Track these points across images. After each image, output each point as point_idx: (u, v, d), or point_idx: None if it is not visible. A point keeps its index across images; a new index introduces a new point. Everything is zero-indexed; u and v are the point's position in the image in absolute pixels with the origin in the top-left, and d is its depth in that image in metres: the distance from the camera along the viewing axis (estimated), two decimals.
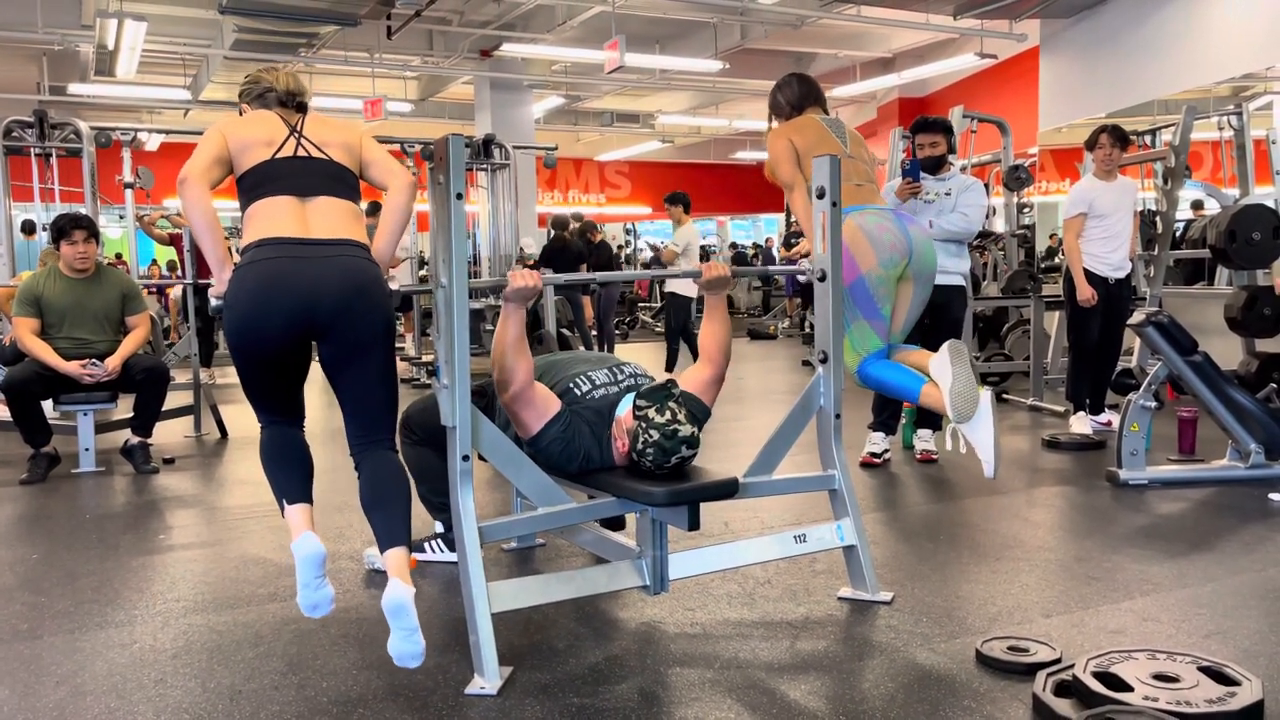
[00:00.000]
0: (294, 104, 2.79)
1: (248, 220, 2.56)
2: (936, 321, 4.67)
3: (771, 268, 9.94)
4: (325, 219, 2.55)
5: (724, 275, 2.92)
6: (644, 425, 2.55)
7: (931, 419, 4.87)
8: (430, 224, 2.47)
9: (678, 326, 8.77)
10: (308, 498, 2.56)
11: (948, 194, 4.80)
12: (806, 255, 3.29)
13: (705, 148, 20.14)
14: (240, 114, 2.85)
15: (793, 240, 10.21)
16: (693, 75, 13.78)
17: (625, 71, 11.22)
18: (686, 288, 8.66)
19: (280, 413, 2.64)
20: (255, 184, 2.58)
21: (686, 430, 2.55)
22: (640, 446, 2.55)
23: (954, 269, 4.78)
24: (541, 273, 2.70)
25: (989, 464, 2.95)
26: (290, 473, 2.58)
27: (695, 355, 8.33)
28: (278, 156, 2.61)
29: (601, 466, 2.71)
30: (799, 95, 3.62)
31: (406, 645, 2.28)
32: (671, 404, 2.57)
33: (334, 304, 2.45)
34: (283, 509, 2.55)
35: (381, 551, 2.46)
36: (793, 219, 11.99)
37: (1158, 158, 6.61)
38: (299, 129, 2.69)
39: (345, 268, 2.48)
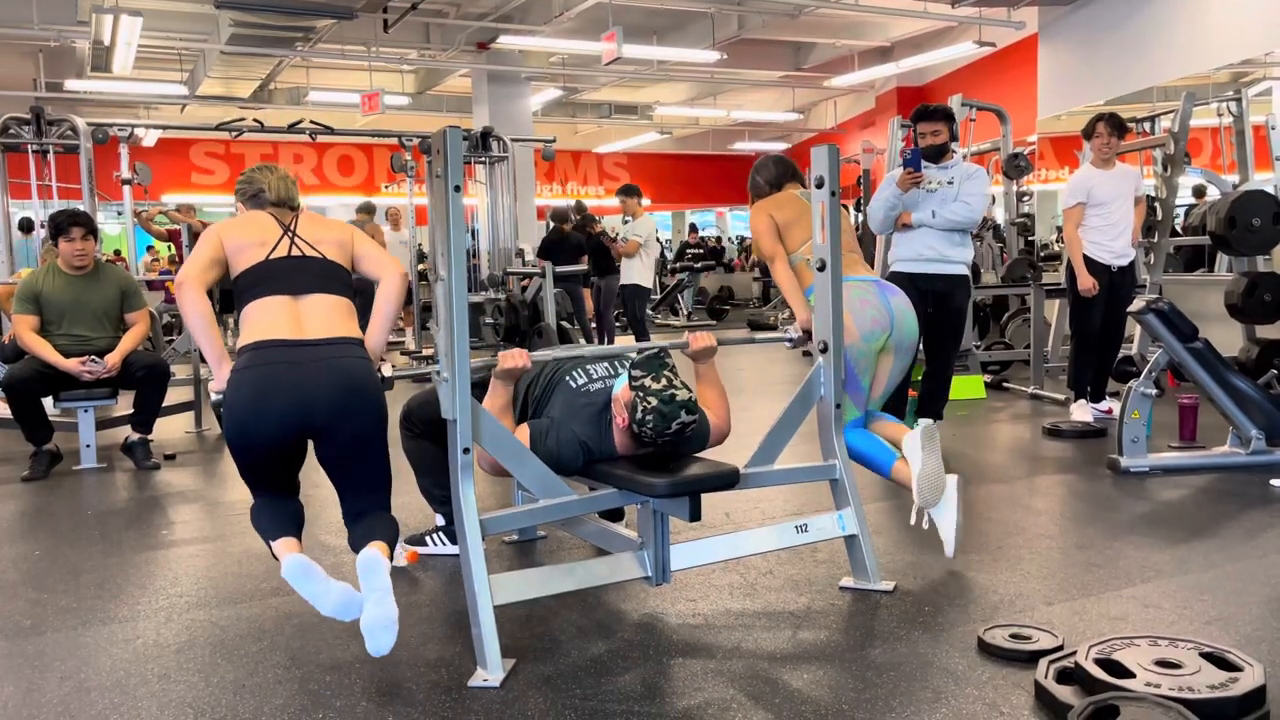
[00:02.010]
0: (286, 206, 2.88)
1: (244, 321, 2.65)
2: (939, 311, 4.66)
3: (758, 335, 10.01)
4: (318, 317, 2.63)
5: (711, 346, 2.98)
6: (641, 394, 2.55)
7: (932, 410, 4.85)
8: (429, 217, 2.48)
9: (640, 315, 9.08)
10: (296, 534, 2.60)
11: (950, 183, 4.74)
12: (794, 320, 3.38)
13: (704, 138, 20.09)
14: (236, 212, 2.96)
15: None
16: (690, 66, 13.75)
17: (623, 63, 11.21)
18: (644, 279, 8.96)
19: (275, 492, 2.69)
20: (250, 284, 2.67)
21: (684, 395, 2.55)
22: (640, 416, 2.55)
23: (958, 258, 4.74)
24: (529, 354, 2.73)
25: (949, 545, 3.08)
26: (278, 517, 2.63)
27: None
28: (272, 257, 2.70)
29: (602, 453, 2.71)
30: (777, 175, 3.69)
31: (378, 610, 2.28)
32: (667, 372, 2.58)
33: (328, 408, 2.52)
34: (272, 550, 2.59)
35: (358, 550, 2.50)
36: None
37: (1157, 145, 6.59)
38: (292, 228, 2.78)
39: (338, 370, 2.55)
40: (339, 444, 2.59)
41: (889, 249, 5.00)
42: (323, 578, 2.40)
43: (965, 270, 4.83)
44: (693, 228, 17.82)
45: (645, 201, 10.09)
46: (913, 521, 3.12)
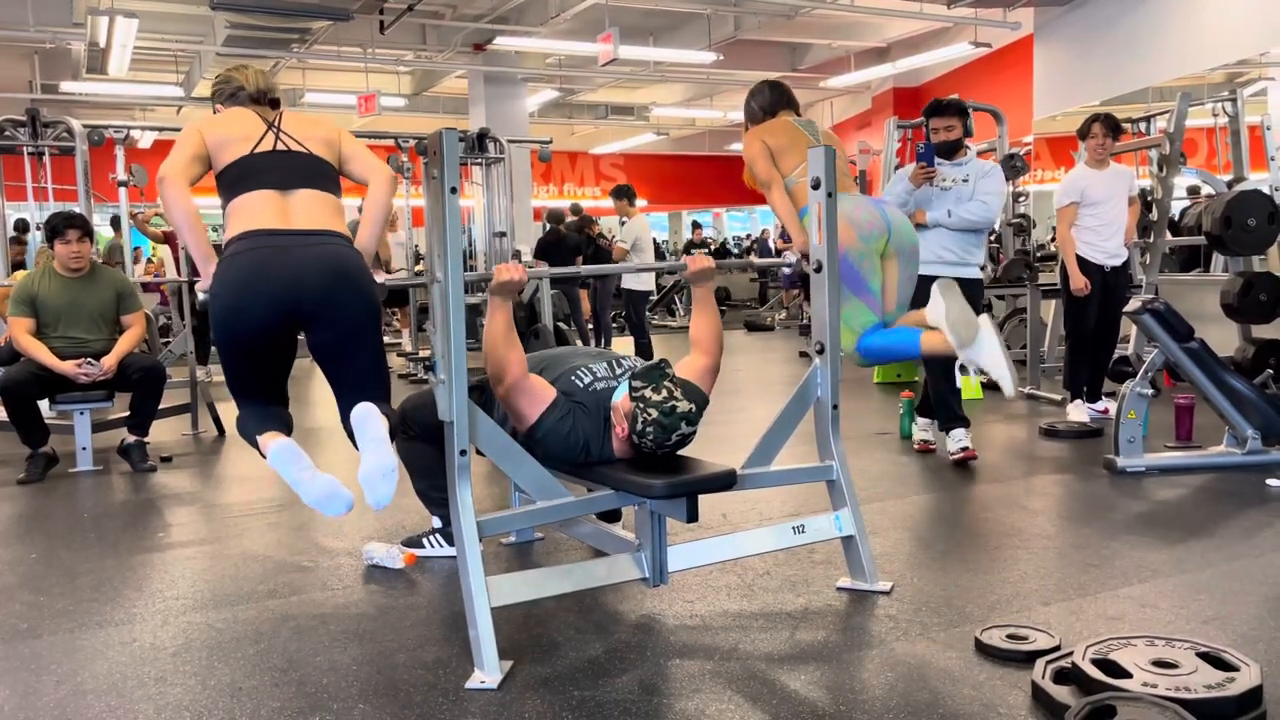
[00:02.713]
0: (267, 101, 2.79)
1: (229, 215, 2.57)
2: None
3: (755, 260, 10.00)
4: (306, 211, 2.56)
5: (709, 267, 2.96)
6: (641, 405, 2.55)
7: (930, 409, 4.85)
8: (425, 219, 2.48)
9: (638, 321, 8.94)
10: (284, 431, 2.54)
11: (965, 180, 4.60)
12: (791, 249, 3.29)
13: (700, 139, 20.11)
14: (215, 113, 2.85)
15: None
16: (687, 67, 13.76)
17: (619, 64, 11.22)
18: (642, 283, 8.84)
19: (264, 400, 2.63)
20: (235, 179, 2.59)
21: (685, 406, 2.55)
22: (640, 427, 2.55)
23: (972, 260, 4.60)
24: (526, 266, 2.71)
25: (1005, 380, 2.97)
26: (265, 419, 2.57)
27: (639, 348, 8.46)
28: (257, 151, 2.61)
29: (601, 457, 2.71)
30: (771, 101, 3.65)
31: (375, 459, 2.25)
32: (667, 383, 2.58)
33: (318, 290, 2.45)
34: (259, 448, 2.51)
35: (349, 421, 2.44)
36: None
37: (1153, 145, 6.61)
38: (277, 124, 2.70)
39: (328, 254, 2.48)
40: (332, 330, 2.51)
41: None
42: (309, 465, 2.35)
43: (979, 273, 4.72)
44: (696, 225, 17.55)
45: (642, 203, 10.01)
46: (958, 378, 3.08)
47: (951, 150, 4.68)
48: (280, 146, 2.64)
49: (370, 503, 2.26)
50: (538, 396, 2.67)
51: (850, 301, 3.22)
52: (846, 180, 3.45)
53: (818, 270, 2.92)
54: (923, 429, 4.96)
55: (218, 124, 2.68)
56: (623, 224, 9.32)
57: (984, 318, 3.04)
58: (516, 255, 9.62)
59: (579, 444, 2.68)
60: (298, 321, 2.51)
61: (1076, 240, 5.43)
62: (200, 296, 2.58)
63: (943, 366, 4.49)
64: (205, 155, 2.63)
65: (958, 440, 4.60)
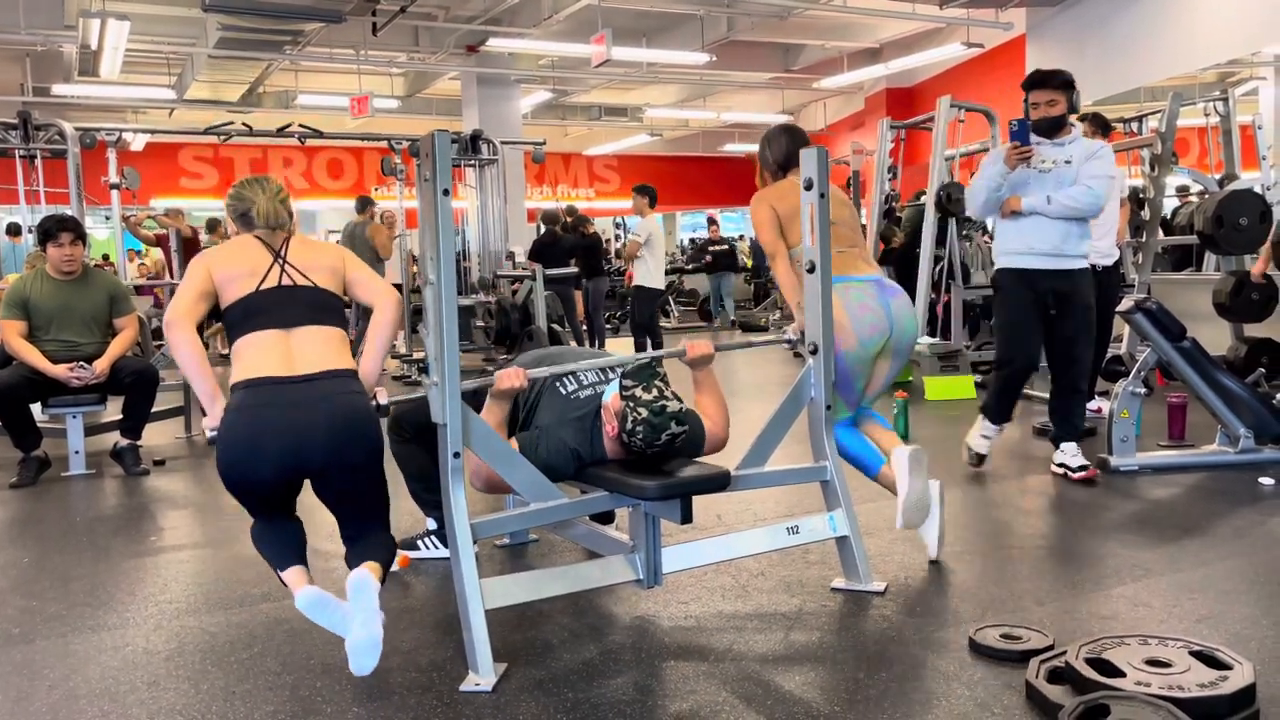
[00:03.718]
0: (276, 228, 2.80)
1: (235, 355, 2.61)
2: (1062, 310, 4.19)
3: (755, 339, 9.95)
4: (310, 351, 2.59)
5: (708, 353, 2.97)
6: (631, 405, 2.55)
7: (1066, 429, 4.37)
8: (419, 221, 2.48)
9: (643, 320, 8.79)
10: (302, 561, 2.58)
11: (1068, 162, 4.11)
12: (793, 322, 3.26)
13: (694, 140, 20.11)
14: (226, 229, 2.87)
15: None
16: (680, 68, 13.76)
17: (612, 65, 11.21)
18: (653, 280, 8.68)
19: (272, 516, 2.67)
20: (240, 319, 2.63)
21: (675, 405, 2.55)
22: (630, 426, 2.55)
23: (1077, 251, 4.18)
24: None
25: (932, 549, 3.16)
26: (282, 543, 2.61)
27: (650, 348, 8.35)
28: (262, 288, 2.65)
29: (593, 459, 2.71)
30: (786, 154, 3.44)
31: (364, 631, 2.27)
32: (658, 382, 2.58)
33: (325, 450, 2.49)
34: (280, 578, 2.57)
35: (350, 565, 2.49)
36: None
37: (1144, 144, 6.62)
38: (283, 254, 2.73)
39: (334, 410, 2.51)
40: (336, 482, 2.57)
41: (999, 238, 4.35)
42: (337, 605, 2.37)
43: (1086, 263, 4.27)
44: (711, 221, 17.12)
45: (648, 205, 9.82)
46: (897, 526, 3.13)
47: (1053, 128, 4.15)
48: (285, 281, 2.68)
49: (354, 670, 2.29)
50: (515, 454, 2.66)
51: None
52: (854, 254, 3.32)
53: (810, 270, 2.92)
54: (1073, 454, 4.31)
55: (224, 259, 2.72)
56: (622, 226, 9.31)
57: (934, 494, 3.12)
58: (510, 257, 9.62)
59: (567, 455, 2.69)
60: (303, 474, 2.57)
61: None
62: (209, 434, 2.62)
63: (1007, 366, 4.26)
64: (212, 291, 2.69)
65: (1074, 456, 4.22)
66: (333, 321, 2.70)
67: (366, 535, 2.63)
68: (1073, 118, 4.24)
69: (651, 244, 8.62)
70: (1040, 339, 4.26)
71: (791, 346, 3.19)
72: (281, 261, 2.71)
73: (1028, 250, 4.16)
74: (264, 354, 2.56)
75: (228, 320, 2.68)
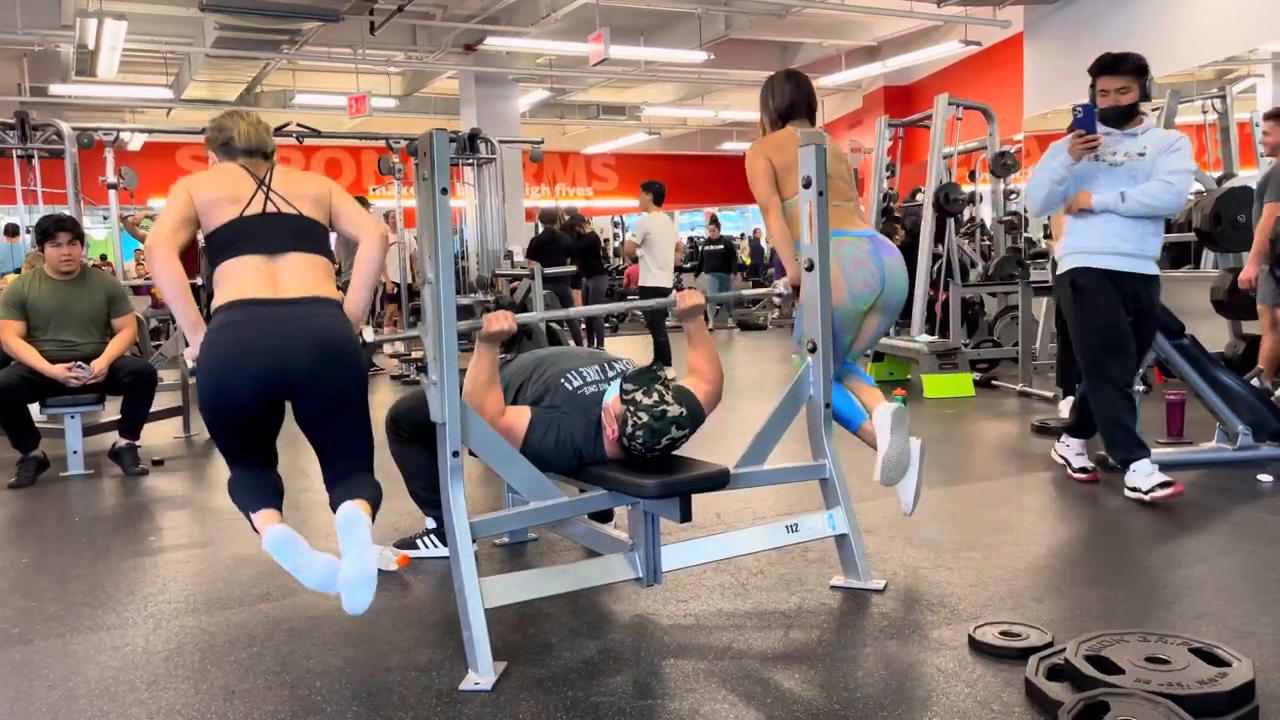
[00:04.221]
0: (259, 155, 2.76)
1: (218, 280, 2.56)
2: (1137, 317, 3.88)
3: (746, 291, 9.87)
4: (295, 277, 2.55)
5: (699, 303, 2.99)
6: (632, 409, 2.55)
7: (1084, 427, 4.21)
8: (417, 220, 2.47)
9: (655, 320, 8.65)
10: (275, 506, 2.55)
11: (1141, 154, 3.76)
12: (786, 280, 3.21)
13: (692, 139, 20.11)
14: (208, 160, 2.84)
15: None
16: (678, 66, 13.76)
17: (610, 64, 11.20)
18: (656, 279, 8.50)
19: (253, 463, 2.64)
20: (224, 243, 2.58)
21: (675, 410, 2.55)
22: (630, 430, 2.55)
23: (1152, 253, 3.85)
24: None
25: (906, 507, 3.15)
26: (256, 488, 2.58)
27: (658, 349, 8.29)
28: (246, 214, 2.60)
29: (593, 459, 2.70)
30: (788, 103, 3.37)
31: (356, 565, 2.26)
32: (659, 386, 2.57)
33: (306, 367, 2.45)
34: (252, 523, 2.55)
35: (335, 507, 2.45)
36: None
37: None
38: (267, 182, 2.68)
39: (315, 328, 2.48)
40: (318, 404, 2.52)
41: (1069, 236, 3.94)
42: (305, 549, 2.36)
43: (1157, 268, 3.92)
44: (713, 220, 17.05)
45: (634, 202, 9.84)
46: (875, 479, 3.10)
47: (1125, 117, 3.79)
48: (270, 208, 2.62)
49: (347, 608, 2.28)
50: (516, 425, 2.67)
51: None
52: (849, 209, 3.28)
53: (809, 269, 2.92)
54: (1078, 452, 4.19)
55: (206, 184, 2.66)
56: (620, 225, 9.29)
57: (915, 452, 3.08)
58: (509, 256, 9.62)
59: (570, 449, 2.68)
60: (285, 395, 2.51)
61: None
62: (189, 364, 2.59)
63: (1111, 383, 3.83)
64: (194, 217, 2.62)
65: (1148, 475, 3.75)
66: (318, 250, 2.65)
67: (350, 476, 2.59)
68: (1145, 106, 3.87)
69: (651, 242, 8.45)
70: (1131, 343, 3.91)
71: (783, 300, 3.16)
72: (265, 189, 2.65)
73: (1111, 249, 3.80)
74: (248, 278, 2.51)
75: (211, 245, 2.61)
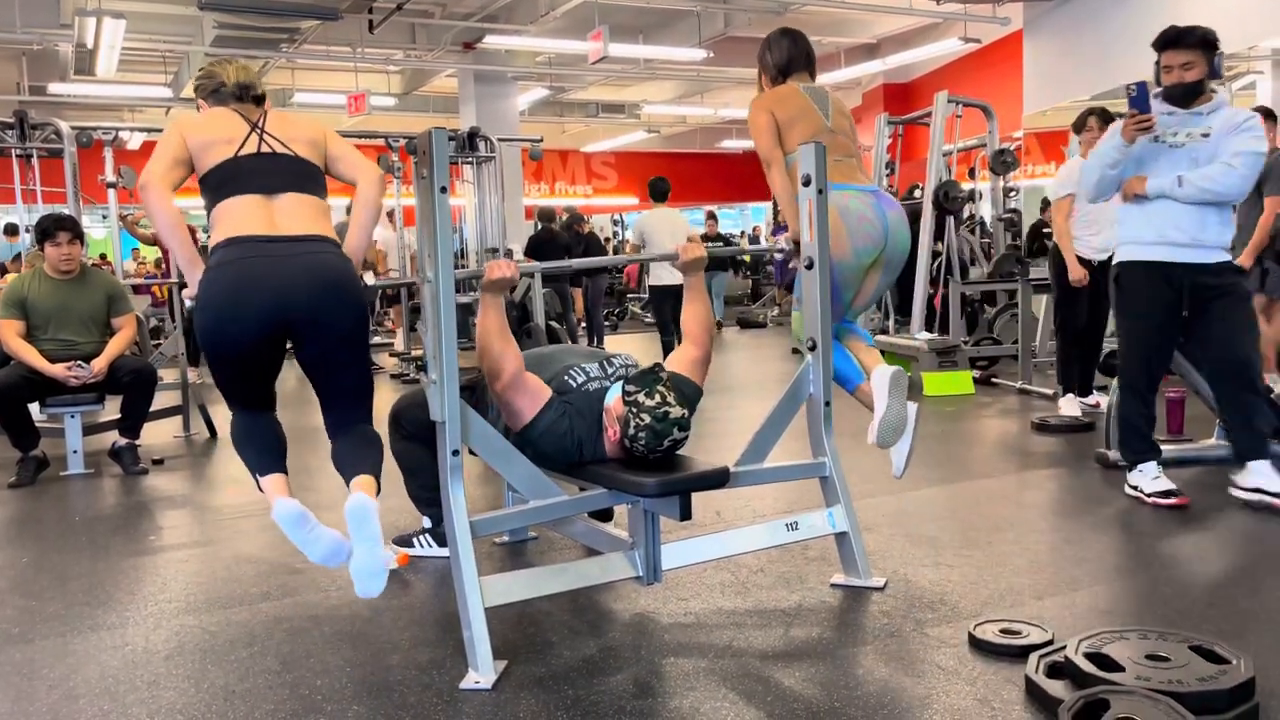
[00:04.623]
0: (250, 98, 2.73)
1: (214, 220, 2.54)
2: (1202, 314, 3.59)
3: (750, 246, 9.76)
4: (293, 216, 2.53)
5: (701, 255, 2.97)
6: (634, 410, 2.54)
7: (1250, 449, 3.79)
8: (416, 218, 2.47)
9: (668, 319, 8.42)
10: (282, 469, 2.56)
11: (1205, 135, 3.49)
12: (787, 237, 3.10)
13: (691, 137, 20.11)
14: (199, 110, 2.81)
15: (780, 227, 10.13)
16: (677, 64, 13.75)
17: (609, 62, 11.19)
18: (664, 278, 8.27)
19: (252, 404, 2.64)
20: (220, 183, 2.55)
21: (677, 412, 2.55)
22: (632, 432, 2.54)
23: (1217, 241, 3.54)
24: (518, 261, 2.72)
25: (898, 469, 3.12)
26: (263, 447, 2.58)
27: (666, 350, 8.20)
28: (241, 154, 2.57)
29: (594, 458, 2.70)
30: (788, 58, 3.31)
31: (368, 557, 2.26)
32: (660, 387, 2.57)
33: (306, 302, 2.44)
34: (258, 483, 2.55)
35: (348, 481, 2.45)
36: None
37: None
38: (261, 125, 2.65)
39: (315, 265, 2.46)
40: (320, 341, 2.51)
41: (1122, 225, 3.73)
42: (313, 524, 2.36)
43: (1228, 255, 3.59)
44: (711, 216, 16.93)
45: (633, 200, 9.80)
46: (869, 440, 3.08)
47: (1190, 95, 3.52)
48: (265, 148, 2.60)
49: (359, 594, 2.29)
50: (535, 395, 2.66)
51: None
52: (851, 164, 3.24)
53: (809, 267, 2.92)
54: (1154, 476, 3.74)
55: (200, 125, 2.64)
56: (620, 223, 9.26)
57: (911, 416, 3.05)
58: (508, 254, 9.62)
59: (573, 444, 2.67)
60: (285, 333, 2.50)
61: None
62: (188, 303, 2.57)
63: (1135, 393, 3.71)
64: (187, 159, 2.60)
65: (1153, 477, 3.68)
66: (315, 191, 2.63)
67: (350, 428, 2.59)
68: (1214, 84, 3.64)
69: (649, 242, 8.25)
70: (1172, 346, 3.77)
71: (784, 255, 3.13)
72: (260, 130, 2.63)
73: (1161, 239, 3.55)
74: (246, 215, 2.49)
75: (206, 186, 2.59)
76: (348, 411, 2.62)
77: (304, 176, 2.62)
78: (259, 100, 2.75)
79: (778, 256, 3.20)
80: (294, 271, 2.43)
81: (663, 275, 8.31)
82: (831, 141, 3.08)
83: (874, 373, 3.11)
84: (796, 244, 3.04)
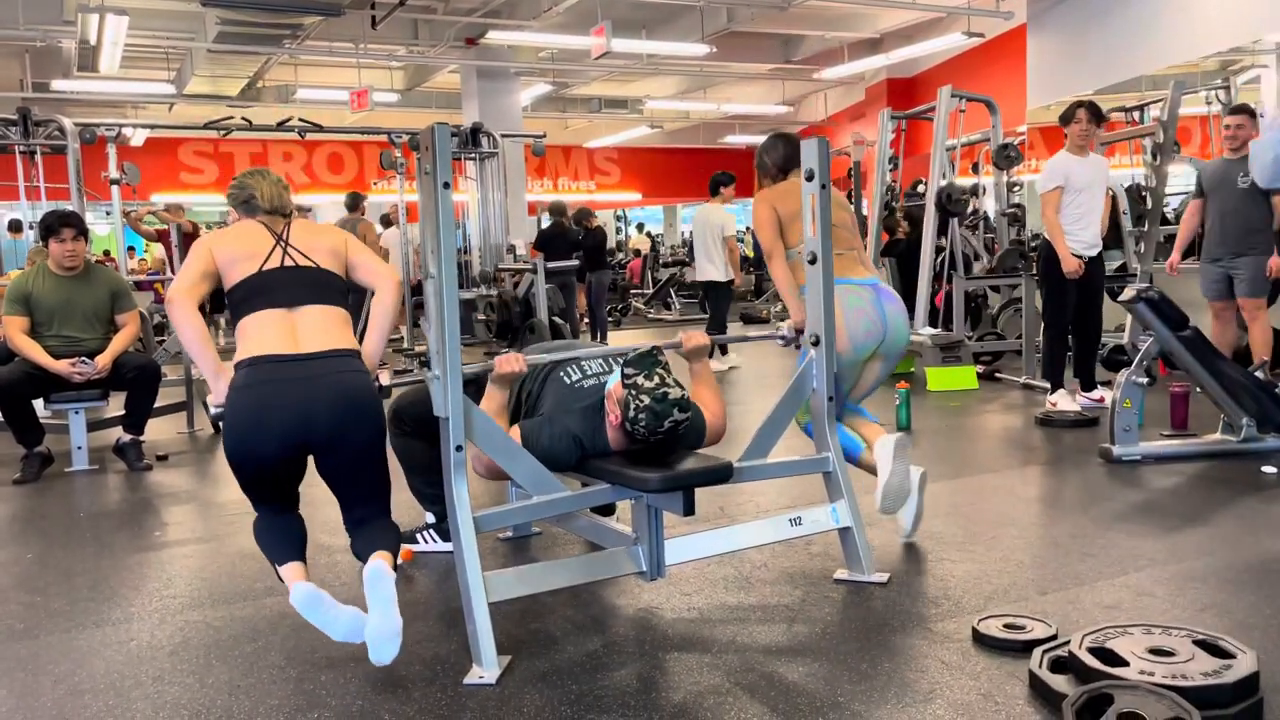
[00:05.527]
0: (279, 213, 2.84)
1: (239, 334, 2.63)
2: None
3: (751, 334, 9.67)
4: (314, 329, 2.61)
5: (704, 344, 3.00)
6: (634, 392, 2.55)
7: None
8: (419, 215, 2.48)
9: (715, 311, 8.22)
10: (300, 558, 2.60)
11: None
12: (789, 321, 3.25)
13: (694, 132, 20.07)
14: (229, 216, 2.93)
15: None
16: (680, 59, 13.72)
17: (612, 57, 11.17)
18: (711, 274, 8.04)
19: (275, 505, 2.68)
20: (244, 298, 2.66)
21: (676, 393, 2.55)
22: (632, 414, 2.55)
23: None
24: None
25: (905, 531, 3.23)
26: (282, 540, 2.63)
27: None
28: (265, 268, 2.68)
29: (595, 449, 2.70)
30: (784, 158, 3.51)
31: (383, 622, 2.29)
32: (659, 370, 2.58)
33: (329, 424, 2.51)
34: (277, 572, 2.59)
35: (364, 560, 2.50)
36: None
37: (1146, 133, 6.61)
38: (285, 236, 2.76)
39: (336, 384, 2.53)
40: (340, 459, 2.59)
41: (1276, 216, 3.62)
42: (331, 604, 2.39)
43: None
44: None
45: (635, 195, 9.75)
46: (876, 508, 3.13)
47: None
48: (288, 261, 2.71)
49: (374, 660, 2.32)
50: (514, 445, 2.66)
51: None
52: (852, 257, 3.36)
53: (812, 262, 2.92)
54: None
55: (227, 241, 2.75)
56: (623, 219, 9.23)
57: (915, 481, 3.15)
58: (511, 250, 9.63)
59: (568, 442, 2.68)
60: (307, 451, 2.59)
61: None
62: (213, 410, 2.66)
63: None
64: (214, 272, 2.71)
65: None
66: (335, 301, 2.73)
67: (370, 522, 2.65)
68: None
69: (698, 236, 8.04)
70: None
71: (786, 343, 3.20)
72: (283, 243, 2.74)
73: None
74: (268, 332, 2.58)
75: (231, 301, 2.70)
76: (366, 510, 2.69)
77: (326, 288, 2.72)
78: (286, 214, 2.86)
79: (779, 344, 3.26)
80: (315, 393, 2.51)
81: (706, 270, 8.09)
82: (833, 236, 3.09)
83: (877, 441, 3.18)
84: (799, 331, 3.13)
